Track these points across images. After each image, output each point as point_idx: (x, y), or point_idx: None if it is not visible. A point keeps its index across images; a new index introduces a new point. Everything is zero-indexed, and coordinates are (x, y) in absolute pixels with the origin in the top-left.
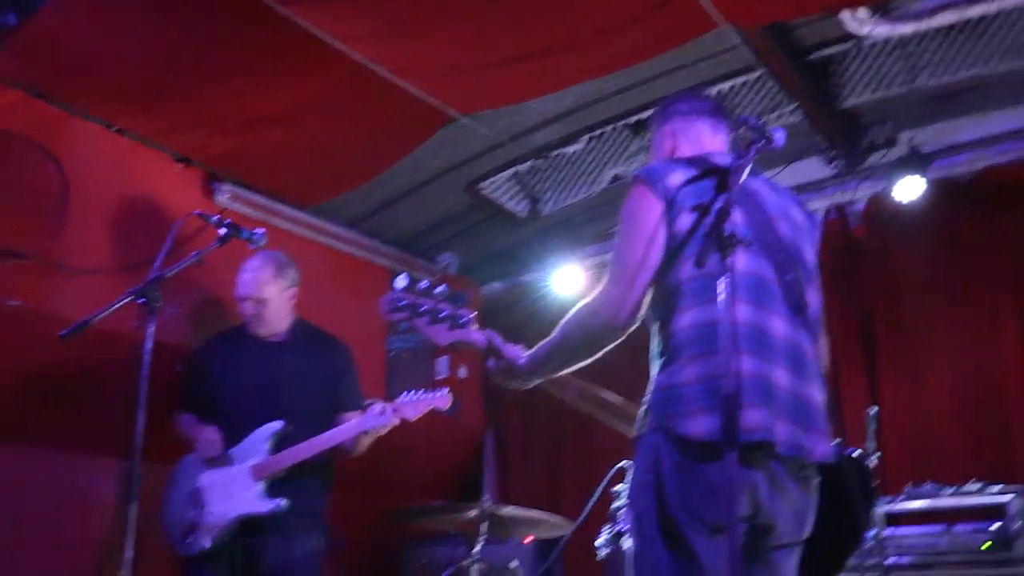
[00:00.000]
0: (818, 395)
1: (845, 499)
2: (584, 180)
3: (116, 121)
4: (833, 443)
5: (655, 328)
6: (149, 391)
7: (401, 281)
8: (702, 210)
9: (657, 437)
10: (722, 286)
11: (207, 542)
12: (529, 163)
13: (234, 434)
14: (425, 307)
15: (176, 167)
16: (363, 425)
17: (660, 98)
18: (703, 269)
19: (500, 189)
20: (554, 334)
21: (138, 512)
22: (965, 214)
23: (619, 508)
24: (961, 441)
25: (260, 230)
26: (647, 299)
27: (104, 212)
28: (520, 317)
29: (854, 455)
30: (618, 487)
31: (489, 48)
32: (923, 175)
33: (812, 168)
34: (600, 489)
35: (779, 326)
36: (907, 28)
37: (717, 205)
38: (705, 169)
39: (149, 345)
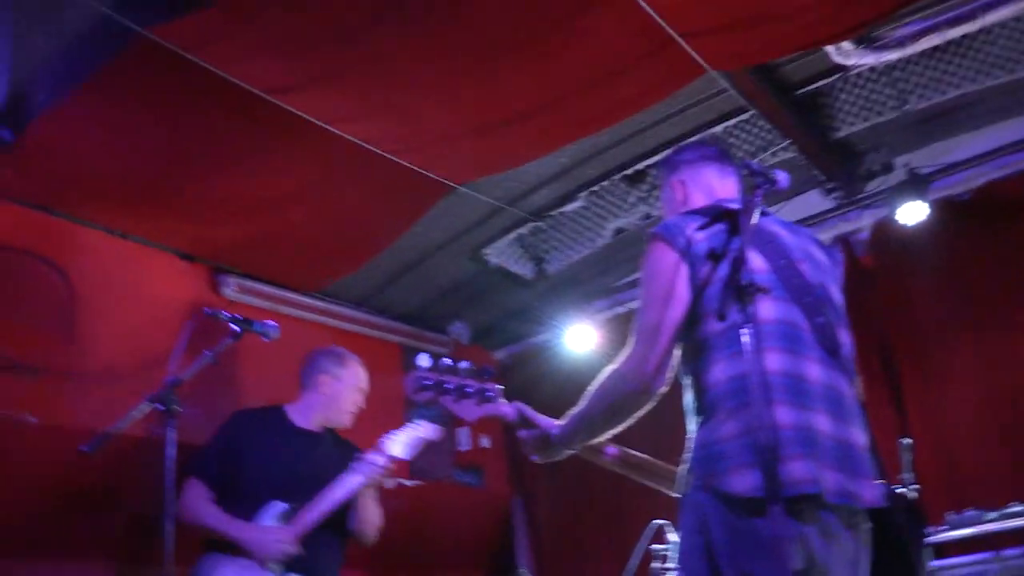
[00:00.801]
0: (861, 438)
1: (898, 540)
2: (586, 236)
3: (117, 225)
4: (880, 486)
5: (687, 383)
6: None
7: (424, 360)
8: (716, 259)
9: (701, 496)
10: (746, 337)
11: None
12: (531, 225)
13: (245, 514)
14: (451, 384)
15: (181, 265)
16: (359, 472)
17: (656, 148)
18: (727, 321)
19: (504, 253)
20: (585, 402)
21: None
22: (969, 231)
23: (660, 567)
24: (994, 462)
25: (272, 323)
26: (675, 357)
27: (113, 316)
28: (534, 378)
29: (899, 492)
30: (655, 546)
31: (478, 114)
32: (923, 197)
33: (812, 202)
34: (640, 550)
35: (815, 371)
36: (892, 55)
37: (731, 254)
38: (720, 217)
39: (171, 451)
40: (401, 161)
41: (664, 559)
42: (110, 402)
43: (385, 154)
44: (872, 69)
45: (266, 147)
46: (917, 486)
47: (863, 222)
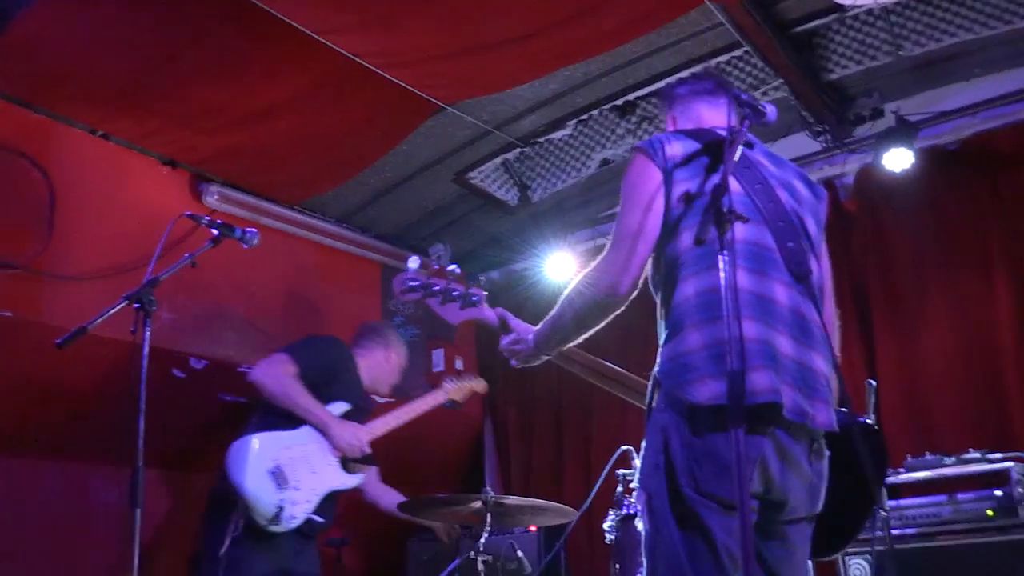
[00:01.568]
0: (822, 363)
1: (857, 469)
2: (573, 165)
3: (101, 126)
4: (837, 411)
5: (659, 299)
6: (148, 396)
7: (414, 262)
8: (699, 183)
9: (666, 416)
10: (722, 262)
11: (298, 518)
12: (517, 151)
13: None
14: (438, 287)
15: (163, 170)
16: (438, 399)
17: (646, 79)
18: (704, 246)
19: (489, 178)
20: (557, 306)
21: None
22: (954, 181)
23: (624, 492)
24: (958, 410)
25: (252, 230)
26: (647, 268)
27: (93, 218)
28: (513, 304)
29: (864, 423)
30: (621, 471)
31: (470, 35)
32: (910, 145)
33: (799, 143)
34: (604, 474)
35: (781, 293)
36: None
37: (713, 180)
38: (704, 141)
39: (146, 350)
40: (390, 76)
41: (629, 484)
42: (87, 302)
43: (374, 68)
44: (869, 12)
45: (255, 55)
46: (877, 427)
47: (848, 166)
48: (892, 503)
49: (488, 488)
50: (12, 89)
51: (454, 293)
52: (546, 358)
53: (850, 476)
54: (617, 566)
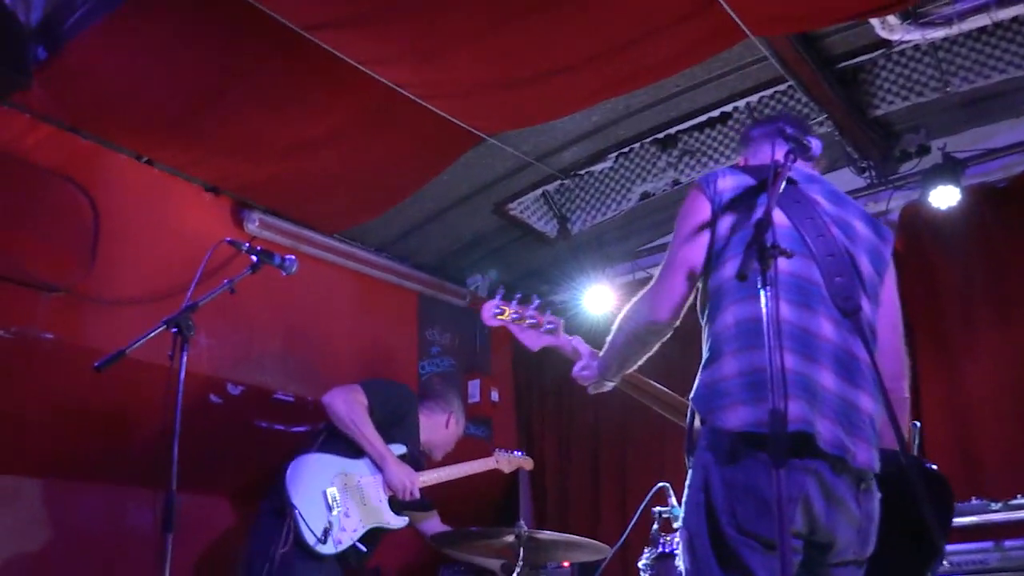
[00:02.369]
0: (868, 402)
1: (915, 513)
2: (613, 198)
3: (146, 152)
4: (893, 452)
5: (703, 327)
6: (183, 421)
7: (497, 293)
8: (745, 217)
9: (708, 456)
10: (764, 295)
11: (343, 544)
12: (557, 182)
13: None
14: (523, 315)
15: (205, 196)
16: (488, 465)
17: (689, 113)
18: (746, 281)
19: (529, 209)
20: (611, 333)
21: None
22: (1003, 219)
23: (660, 530)
24: (1006, 453)
25: (291, 257)
26: (691, 298)
27: (135, 243)
28: None
29: (926, 467)
30: (657, 508)
31: (513, 67)
32: (957, 182)
33: (843, 179)
34: (639, 511)
35: (827, 328)
36: (938, 33)
37: (758, 214)
38: (760, 178)
39: (183, 374)
40: (432, 108)
41: (665, 521)
42: (127, 326)
43: (417, 99)
44: (916, 47)
45: (301, 86)
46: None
47: (893, 203)
48: None
49: (521, 522)
50: (60, 113)
51: (534, 321)
52: (611, 384)
53: (910, 522)
54: None
